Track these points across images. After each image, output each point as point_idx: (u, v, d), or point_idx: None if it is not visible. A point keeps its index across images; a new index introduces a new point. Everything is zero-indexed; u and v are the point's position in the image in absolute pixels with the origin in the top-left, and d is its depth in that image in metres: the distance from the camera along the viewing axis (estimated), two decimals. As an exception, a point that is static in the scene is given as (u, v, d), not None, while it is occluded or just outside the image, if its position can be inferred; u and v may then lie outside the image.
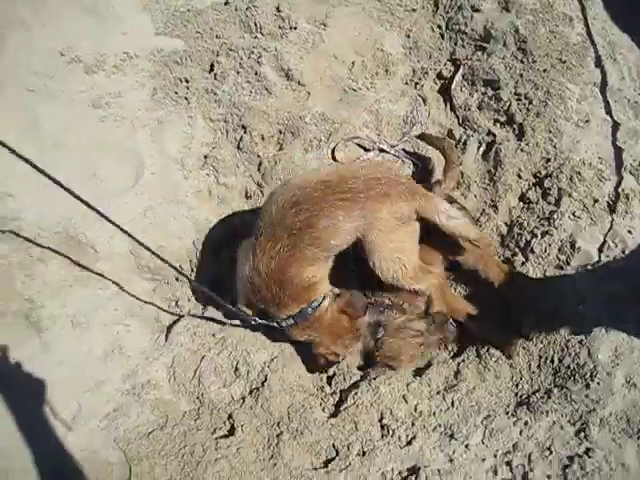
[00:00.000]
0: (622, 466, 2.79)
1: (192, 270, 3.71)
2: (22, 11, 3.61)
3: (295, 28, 3.87)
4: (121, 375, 3.27)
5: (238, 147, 3.80)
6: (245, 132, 3.78)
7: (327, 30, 3.93)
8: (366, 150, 3.83)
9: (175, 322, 3.47)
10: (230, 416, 3.14)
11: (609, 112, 3.64)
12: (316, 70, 3.88)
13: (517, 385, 3.18)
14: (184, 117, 3.79)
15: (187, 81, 3.81)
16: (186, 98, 3.80)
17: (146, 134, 3.70)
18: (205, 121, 3.80)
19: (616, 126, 3.58)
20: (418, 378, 3.27)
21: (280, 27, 3.91)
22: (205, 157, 3.77)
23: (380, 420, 3.12)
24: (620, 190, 3.40)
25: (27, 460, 2.99)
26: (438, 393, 3.21)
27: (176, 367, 3.27)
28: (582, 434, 2.88)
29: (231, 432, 3.10)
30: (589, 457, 2.80)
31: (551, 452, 2.87)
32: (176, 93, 3.79)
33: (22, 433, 3.07)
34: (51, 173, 2.36)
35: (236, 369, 3.31)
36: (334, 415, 3.18)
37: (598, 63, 3.76)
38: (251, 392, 3.26)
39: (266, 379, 3.25)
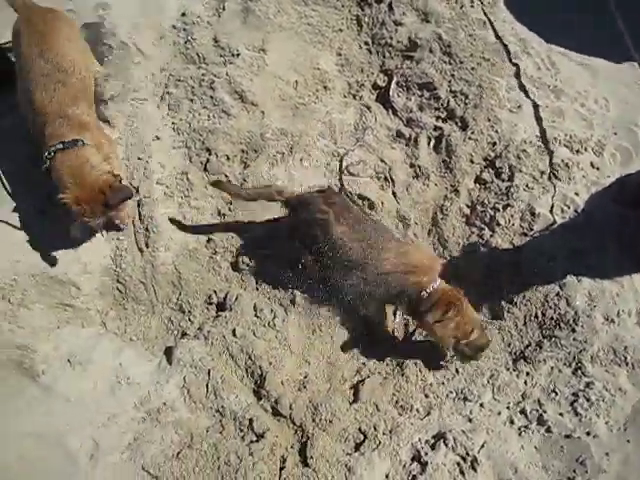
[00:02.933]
0: (619, 390, 3.58)
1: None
2: None
3: (238, 55, 4.60)
4: (133, 404, 3.63)
5: (205, 169, 4.39)
6: (210, 154, 4.38)
7: (267, 54, 4.69)
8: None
9: (173, 346, 3.90)
10: (251, 421, 3.58)
11: (532, 97, 4.62)
12: (265, 91, 4.59)
13: (509, 344, 3.89)
14: (146, 150, 4.42)
15: (140, 116, 4.46)
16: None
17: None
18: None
19: (542, 108, 4.57)
20: (420, 355, 3.92)
21: (221, 56, 4.61)
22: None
23: (396, 400, 3.81)
24: (559, 161, 4.30)
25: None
26: (440, 365, 3.88)
27: (189, 386, 3.69)
28: (579, 372, 3.61)
29: (260, 436, 3.53)
30: (590, 389, 3.55)
31: (556, 393, 3.59)
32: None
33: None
34: None
35: (242, 378, 3.82)
36: (355, 401, 3.74)
37: (512, 58, 4.77)
38: (261, 396, 3.74)
39: (267, 378, 3.76)
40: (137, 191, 4.27)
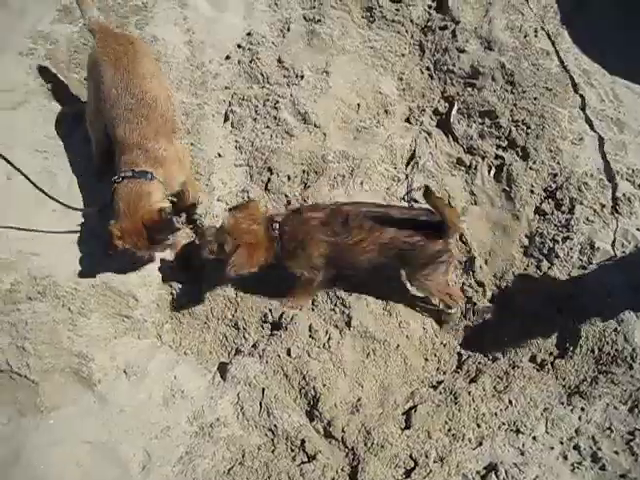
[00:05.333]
0: (678, 431, 3.59)
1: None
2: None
3: (302, 77, 4.73)
4: (186, 418, 3.69)
5: (266, 188, 4.48)
6: (271, 174, 4.47)
7: (330, 77, 4.81)
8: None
9: (227, 363, 3.96)
10: (303, 442, 3.60)
11: (597, 130, 4.62)
12: (327, 113, 4.69)
13: (564, 378, 3.91)
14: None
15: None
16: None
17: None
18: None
19: (605, 141, 4.56)
20: (473, 384, 3.91)
21: (285, 76, 4.75)
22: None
23: (448, 428, 3.81)
24: (621, 195, 4.29)
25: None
26: (493, 396, 3.83)
27: (243, 403, 3.73)
28: (636, 410, 3.57)
29: (311, 457, 3.55)
30: (648, 429, 3.59)
31: (612, 431, 3.54)
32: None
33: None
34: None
35: (295, 398, 3.83)
36: (407, 427, 3.73)
37: (578, 89, 4.80)
38: (314, 417, 3.76)
39: (320, 399, 3.76)
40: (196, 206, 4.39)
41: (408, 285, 4.21)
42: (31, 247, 4.13)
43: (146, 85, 4.06)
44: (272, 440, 3.66)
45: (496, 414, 3.77)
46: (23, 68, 4.93)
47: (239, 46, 5.03)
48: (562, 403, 3.76)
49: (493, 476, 3.46)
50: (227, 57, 4.98)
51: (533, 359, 4.00)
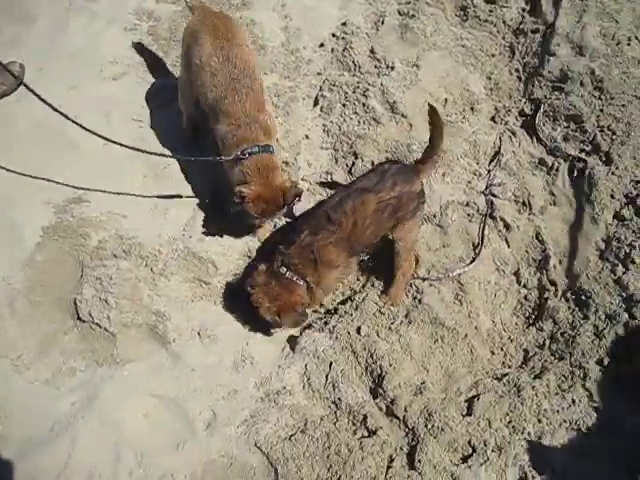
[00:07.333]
0: None
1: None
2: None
3: (393, 68, 4.82)
4: (254, 383, 3.82)
5: (350, 172, 4.57)
6: (356, 158, 4.57)
7: (420, 70, 4.90)
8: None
9: (297, 335, 4.07)
10: (365, 417, 3.65)
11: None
12: (415, 104, 4.75)
13: None
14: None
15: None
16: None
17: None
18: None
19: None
20: (537, 380, 3.89)
21: (376, 67, 4.85)
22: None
23: (508, 420, 3.80)
24: None
25: (165, 466, 3.52)
26: (557, 394, 3.81)
27: (310, 374, 3.82)
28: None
29: (372, 432, 3.61)
30: None
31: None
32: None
33: (156, 438, 3.62)
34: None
35: (361, 375, 3.89)
36: (468, 414, 3.75)
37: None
38: (377, 395, 3.81)
39: (385, 378, 3.81)
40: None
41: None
42: (120, 209, 4.34)
43: (245, 54, 4.14)
44: (335, 412, 3.73)
45: (558, 411, 3.74)
46: (126, 42, 5.18)
47: (333, 35, 5.20)
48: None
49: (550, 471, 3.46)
50: (321, 45, 5.15)
51: (600, 362, 3.97)
